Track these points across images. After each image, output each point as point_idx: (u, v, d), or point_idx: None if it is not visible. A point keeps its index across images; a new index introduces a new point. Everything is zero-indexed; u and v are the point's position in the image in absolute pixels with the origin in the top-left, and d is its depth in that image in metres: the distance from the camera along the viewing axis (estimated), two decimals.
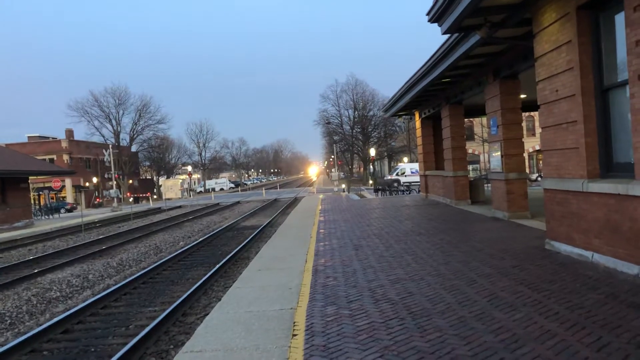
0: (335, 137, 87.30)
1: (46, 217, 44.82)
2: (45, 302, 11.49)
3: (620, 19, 7.07)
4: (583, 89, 7.70)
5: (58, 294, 12.19)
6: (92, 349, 7.91)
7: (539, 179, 43.22)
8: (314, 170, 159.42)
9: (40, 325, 9.37)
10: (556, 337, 4.73)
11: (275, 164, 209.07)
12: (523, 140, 14.09)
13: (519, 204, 13.50)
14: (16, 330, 9.50)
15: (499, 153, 13.84)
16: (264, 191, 64.31)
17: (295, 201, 39.71)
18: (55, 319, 9.01)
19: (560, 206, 8.66)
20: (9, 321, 10.05)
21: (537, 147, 55.95)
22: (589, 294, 6.05)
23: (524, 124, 18.75)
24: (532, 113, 50.53)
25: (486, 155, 55.93)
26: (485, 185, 21.55)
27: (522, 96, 14.37)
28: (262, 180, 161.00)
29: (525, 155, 21.39)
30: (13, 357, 7.58)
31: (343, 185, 50.99)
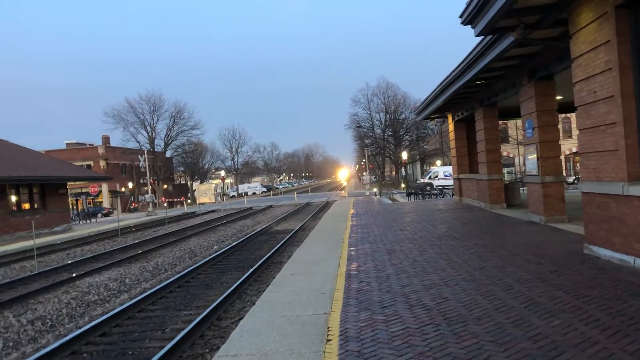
0: (367, 141, 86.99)
1: (84, 221, 45.89)
2: (84, 305, 11.75)
3: None
4: (622, 90, 7.51)
5: (96, 297, 12.45)
6: (130, 352, 8.06)
7: (576, 182, 42.26)
8: (344, 174, 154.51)
9: (80, 328, 9.59)
10: (597, 345, 4.61)
11: (306, 168, 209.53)
12: (559, 142, 13.81)
13: (555, 208, 13.23)
14: (57, 332, 9.74)
15: (535, 156, 13.59)
16: (295, 195, 64.49)
17: (326, 205, 39.73)
18: (94, 322, 9.20)
19: (600, 210, 8.46)
20: (49, 323, 10.30)
21: (574, 150, 54.73)
22: (632, 300, 5.89)
23: (560, 126, 18.31)
24: (568, 115, 49.49)
25: (521, 158, 54.98)
26: (521, 188, 21.19)
27: (558, 98, 14.10)
28: (294, 184, 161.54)
29: (562, 157, 21.01)
30: (54, 359, 7.77)
31: (375, 189, 50.78)
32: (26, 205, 32.64)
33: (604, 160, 8.18)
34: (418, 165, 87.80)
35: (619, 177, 7.75)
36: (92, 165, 66.93)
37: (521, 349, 4.67)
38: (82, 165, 58.57)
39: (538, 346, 4.70)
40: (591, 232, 8.82)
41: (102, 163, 68.37)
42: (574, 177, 49.67)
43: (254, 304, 7.83)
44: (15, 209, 31.48)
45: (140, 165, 59.69)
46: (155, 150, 76.28)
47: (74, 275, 15.32)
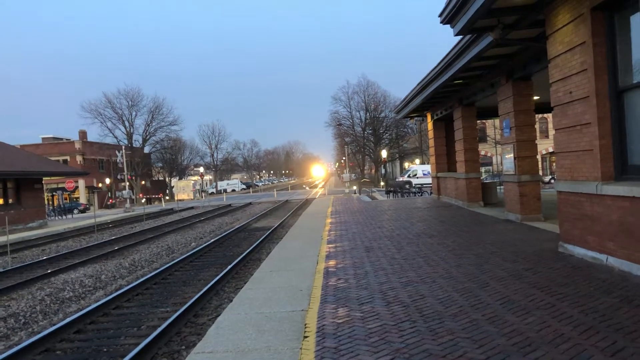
0: (347, 139, 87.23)
1: (60, 217, 45.23)
2: (58, 302, 11.57)
3: (636, 20, 7.01)
4: (597, 91, 7.63)
5: (71, 294, 12.27)
6: (105, 349, 7.96)
7: (552, 181, 42.89)
8: (319, 172, 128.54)
9: (54, 325, 9.45)
10: (570, 341, 4.68)
11: (286, 165, 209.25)
12: (536, 142, 13.99)
13: (531, 207, 13.41)
14: (30, 329, 9.58)
15: (512, 155, 13.75)
16: (275, 192, 64.39)
17: (306, 202, 39.72)
18: (68, 319, 9.06)
19: (574, 209, 8.59)
20: (22, 320, 10.13)
21: (551, 149, 55.53)
22: (604, 297, 5.99)
23: (537, 126, 18.64)
24: (545, 115, 50.22)
25: (499, 157, 55.59)
26: (498, 187, 21.44)
27: (536, 98, 14.29)
28: (274, 181, 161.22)
29: (539, 157, 21.28)
30: (27, 356, 7.64)
31: (354, 187, 50.91)
32: (0, 201, 32.03)
33: (579, 159, 8.30)
34: (397, 164, 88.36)
35: (593, 176, 7.87)
36: (68, 160, 65.84)
37: (496, 345, 4.72)
38: (58, 160, 57.66)
39: (512, 342, 4.75)
40: (566, 230, 8.95)
41: (79, 158, 67.36)
42: (550, 177, 50.45)
43: (231, 300, 7.80)
44: None
45: (118, 160, 59.00)
46: (133, 145, 75.43)
47: (49, 271, 15.07)
